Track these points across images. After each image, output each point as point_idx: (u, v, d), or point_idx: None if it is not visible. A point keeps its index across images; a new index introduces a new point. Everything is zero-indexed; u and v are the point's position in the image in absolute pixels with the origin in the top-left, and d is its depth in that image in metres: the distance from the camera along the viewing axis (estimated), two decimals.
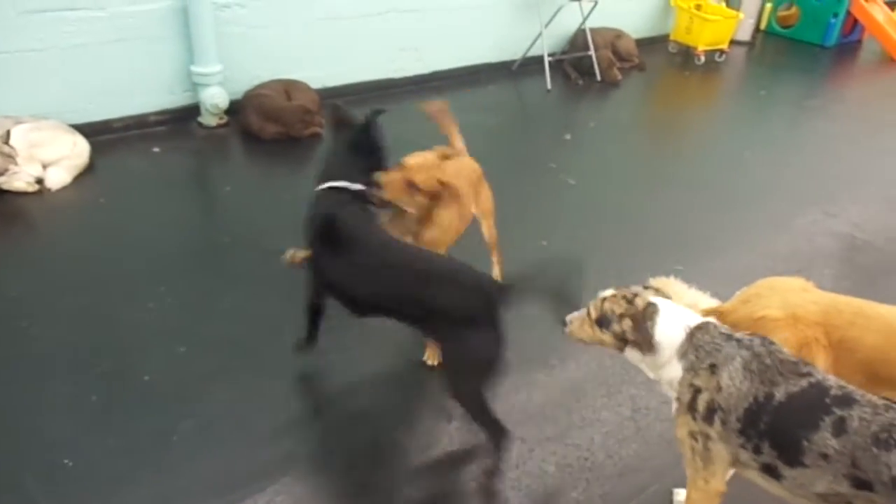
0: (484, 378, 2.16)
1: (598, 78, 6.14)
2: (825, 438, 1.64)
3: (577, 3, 6.00)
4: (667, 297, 2.01)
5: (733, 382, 1.77)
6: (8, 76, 4.06)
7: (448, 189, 2.49)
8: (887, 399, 1.69)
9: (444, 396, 2.40)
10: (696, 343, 1.85)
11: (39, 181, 3.88)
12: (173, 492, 2.23)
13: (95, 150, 4.15)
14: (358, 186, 2.44)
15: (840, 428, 1.64)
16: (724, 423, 1.77)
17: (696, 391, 1.82)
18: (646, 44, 7.00)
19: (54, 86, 4.24)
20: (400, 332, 2.49)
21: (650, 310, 1.91)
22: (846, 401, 1.68)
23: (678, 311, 1.94)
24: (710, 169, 4.83)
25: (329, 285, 2.39)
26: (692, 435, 1.83)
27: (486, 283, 2.23)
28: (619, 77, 6.20)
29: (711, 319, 1.96)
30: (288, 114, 4.67)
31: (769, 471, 1.75)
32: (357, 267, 2.26)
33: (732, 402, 1.76)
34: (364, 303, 2.33)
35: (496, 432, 2.24)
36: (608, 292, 2.00)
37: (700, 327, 1.88)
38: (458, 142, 3.04)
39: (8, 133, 3.79)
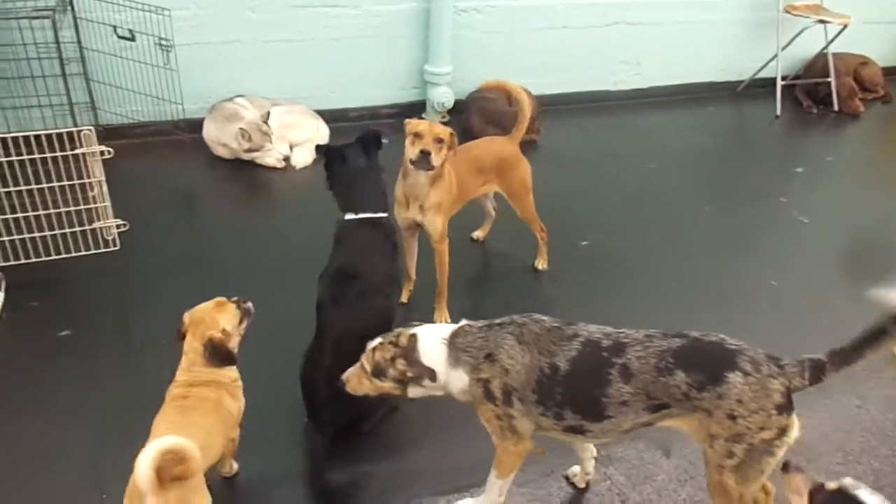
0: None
1: (836, 108, 5.64)
2: (619, 389, 1.79)
3: (822, 26, 5.54)
4: None
5: (515, 360, 1.87)
6: (272, 62, 4.53)
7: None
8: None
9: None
10: (461, 347, 1.93)
11: (286, 159, 4.29)
12: None
13: (332, 135, 4.49)
14: (381, 214, 2.55)
15: (627, 374, 1.79)
16: (521, 400, 1.88)
17: (486, 382, 1.90)
18: (894, 74, 6.33)
19: (306, 73, 4.66)
20: None
21: (412, 342, 1.97)
22: (618, 348, 1.82)
23: (432, 329, 2.01)
24: None
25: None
26: (497, 417, 1.92)
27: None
28: (861, 108, 5.65)
29: (465, 322, 2.02)
30: (508, 118, 4.72)
31: (574, 430, 1.89)
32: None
33: (522, 378, 1.86)
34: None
35: None
36: (376, 342, 2.03)
37: (456, 333, 1.97)
38: (527, 109, 3.29)
39: (268, 114, 4.22)
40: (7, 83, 3.73)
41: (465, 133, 4.80)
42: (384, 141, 2.70)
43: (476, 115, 4.81)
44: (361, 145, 2.61)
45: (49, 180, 3.00)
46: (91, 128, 3.00)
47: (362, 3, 4.57)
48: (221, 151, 4.26)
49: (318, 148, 2.67)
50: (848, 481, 1.63)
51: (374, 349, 2.01)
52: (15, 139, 2.89)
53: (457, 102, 4.94)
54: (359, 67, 4.75)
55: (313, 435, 2.37)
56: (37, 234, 3.05)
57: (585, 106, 5.42)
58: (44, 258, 3.10)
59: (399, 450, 2.42)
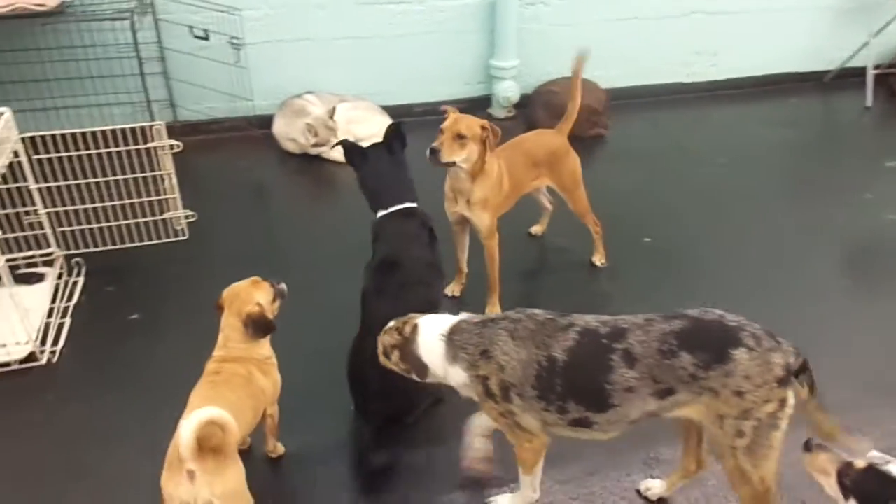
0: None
1: None
2: (623, 375, 1.75)
3: None
4: None
5: (511, 356, 1.83)
6: (339, 58, 4.63)
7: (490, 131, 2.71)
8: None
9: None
10: (458, 343, 1.89)
11: None
12: None
13: None
14: (411, 204, 2.55)
15: (630, 359, 1.75)
16: (520, 396, 1.84)
17: (485, 379, 1.86)
18: None
19: (371, 70, 4.74)
20: None
21: (413, 334, 1.93)
22: (618, 333, 1.79)
23: (434, 322, 1.95)
24: None
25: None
26: (502, 415, 1.89)
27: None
28: None
29: (463, 316, 1.97)
30: None
31: (580, 423, 1.84)
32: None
33: (519, 374, 1.82)
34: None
35: None
36: (391, 324, 2.00)
37: (454, 329, 1.92)
38: (577, 100, 3.16)
39: (333, 109, 4.32)
40: (92, 81, 3.98)
41: (531, 127, 4.72)
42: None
43: (541, 109, 4.74)
44: (385, 142, 2.65)
45: (124, 173, 3.19)
46: (161, 123, 3.15)
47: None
48: (290, 146, 4.40)
49: (344, 145, 2.72)
50: (876, 456, 1.54)
51: (386, 331, 2.01)
52: (93, 133, 3.08)
53: (522, 97, 4.90)
54: (424, 63, 4.79)
55: (359, 423, 2.42)
56: (113, 223, 3.25)
57: (657, 99, 5.26)
58: (119, 246, 3.29)
59: (443, 441, 2.42)
